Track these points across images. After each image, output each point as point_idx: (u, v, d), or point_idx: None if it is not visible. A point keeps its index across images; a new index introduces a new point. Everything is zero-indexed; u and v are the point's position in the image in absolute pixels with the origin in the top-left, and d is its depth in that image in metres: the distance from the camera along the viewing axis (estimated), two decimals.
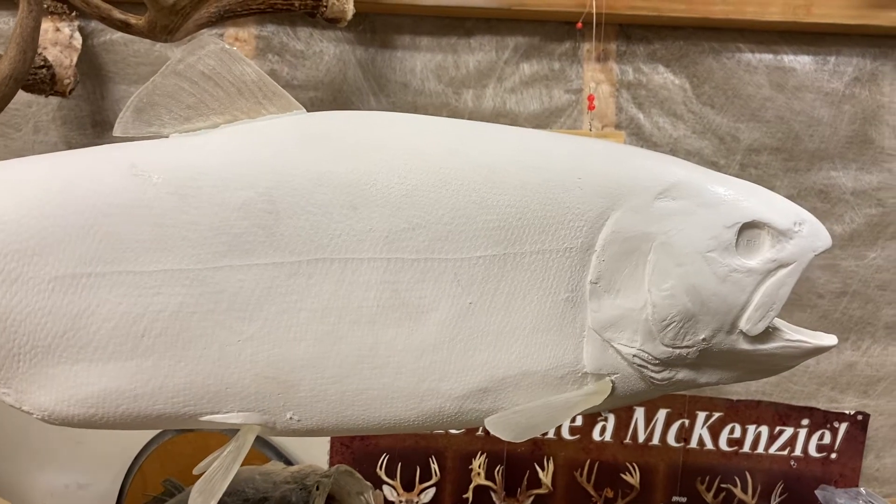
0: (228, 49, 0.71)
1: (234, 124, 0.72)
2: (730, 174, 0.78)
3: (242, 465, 1.04)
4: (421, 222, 0.68)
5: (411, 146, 0.71)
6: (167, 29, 1.03)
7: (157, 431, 1.38)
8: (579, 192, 0.69)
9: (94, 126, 1.39)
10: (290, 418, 0.70)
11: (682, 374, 0.71)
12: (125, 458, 1.39)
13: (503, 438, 0.69)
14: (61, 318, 0.66)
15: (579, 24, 1.33)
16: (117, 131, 0.71)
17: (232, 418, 0.70)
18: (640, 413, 1.40)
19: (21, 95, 1.28)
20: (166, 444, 1.38)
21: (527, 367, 0.70)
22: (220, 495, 0.67)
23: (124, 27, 1.05)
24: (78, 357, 0.67)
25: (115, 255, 0.66)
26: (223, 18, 1.19)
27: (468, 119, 1.31)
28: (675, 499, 1.42)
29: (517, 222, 0.69)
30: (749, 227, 0.69)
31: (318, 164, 0.68)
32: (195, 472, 0.78)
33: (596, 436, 1.41)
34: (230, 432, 0.72)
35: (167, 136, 0.72)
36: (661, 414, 1.40)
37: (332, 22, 1.26)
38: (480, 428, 1.39)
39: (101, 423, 0.69)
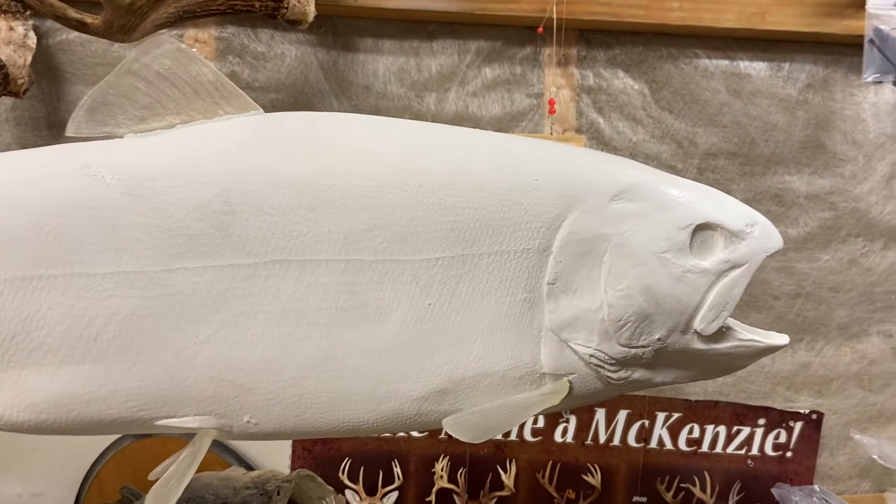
0: (184, 49, 0.71)
1: (190, 125, 0.71)
2: (688, 178, 0.80)
3: (202, 470, 1.03)
4: (379, 224, 0.68)
5: (370, 148, 0.71)
6: (124, 29, 1.02)
7: (115, 437, 1.36)
8: (536, 194, 0.70)
9: (50, 127, 1.36)
10: (248, 422, 0.69)
11: (638, 374, 0.72)
12: (81, 466, 1.36)
13: (461, 439, 0.69)
14: (10, 321, 0.65)
15: (540, 29, 1.34)
16: (70, 131, 0.70)
17: (188, 422, 0.69)
18: (601, 414, 1.42)
19: None
20: (124, 450, 1.36)
21: (485, 367, 0.70)
22: (175, 500, 0.66)
23: (80, 26, 1.03)
24: (28, 361, 0.65)
25: (67, 256, 0.65)
26: (182, 19, 1.17)
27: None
28: (635, 499, 1.43)
29: (475, 224, 0.69)
30: (702, 229, 0.70)
31: (275, 164, 0.68)
32: (150, 477, 0.77)
33: (558, 437, 1.42)
34: (189, 437, 0.72)
35: (122, 137, 0.71)
36: (622, 415, 1.42)
37: (294, 24, 1.25)
38: (443, 431, 1.39)
39: (53, 429, 0.68)
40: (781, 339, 0.74)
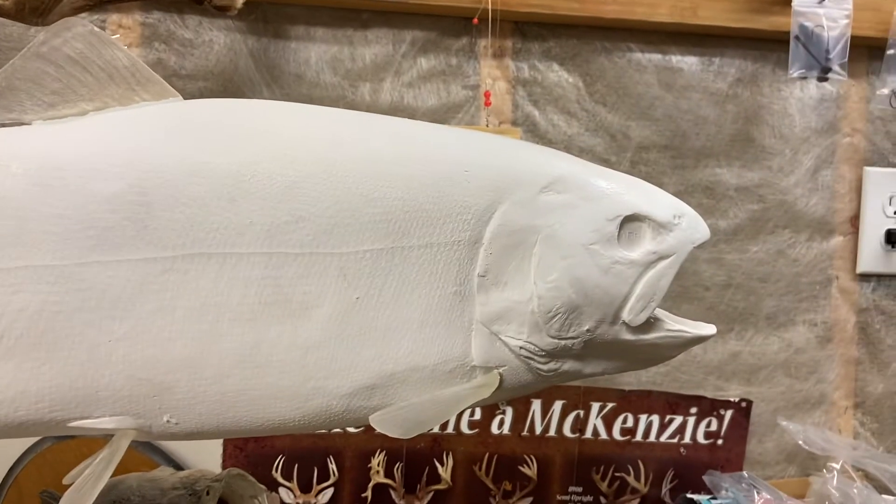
0: (97, 32, 0.67)
1: (104, 112, 0.68)
2: (621, 171, 0.80)
3: (130, 471, 0.99)
4: (304, 215, 0.66)
5: (294, 136, 0.69)
6: (37, 11, 0.97)
7: (35, 440, 1.30)
8: (466, 186, 0.69)
9: None
10: (168, 421, 0.67)
11: (569, 365, 0.72)
12: None
13: (390, 435, 0.67)
14: None
15: (475, 20, 1.34)
16: None
17: (104, 423, 0.66)
18: (537, 405, 1.42)
19: None
20: (44, 452, 1.30)
21: (415, 362, 0.69)
22: None
23: None
24: None
25: None
26: (104, 2, 1.12)
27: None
28: (571, 489, 1.44)
29: (404, 215, 0.68)
30: (630, 220, 0.71)
31: (193, 153, 0.65)
32: (65, 481, 0.73)
33: (494, 429, 1.42)
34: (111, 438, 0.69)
35: (29, 124, 0.67)
36: (557, 405, 1.43)
37: (222, 10, 1.21)
38: None
39: None
40: (708, 328, 0.75)
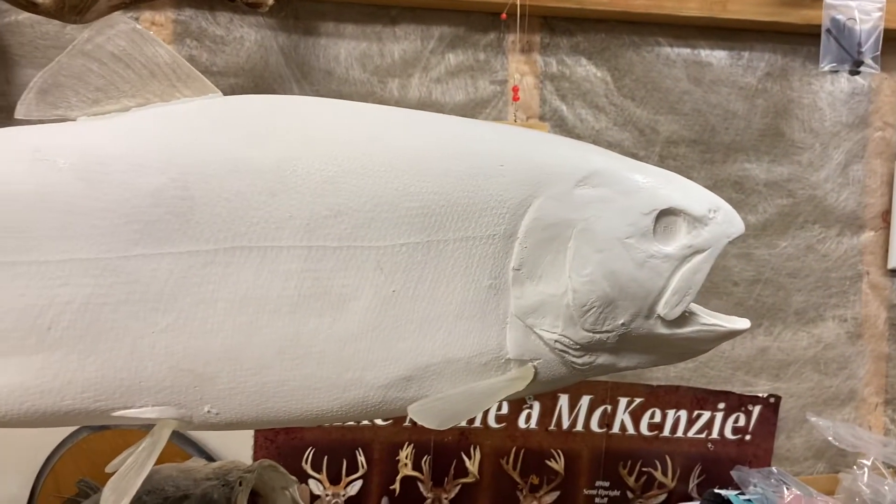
0: (140, 30, 0.69)
1: (145, 107, 0.69)
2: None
3: (162, 462, 1.01)
4: (343, 209, 0.67)
5: (333, 132, 0.69)
6: (76, 9, 0.99)
7: (72, 430, 1.33)
8: (502, 180, 0.70)
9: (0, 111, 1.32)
10: (208, 412, 0.68)
11: (603, 359, 0.72)
12: (36, 459, 1.33)
13: (427, 426, 0.68)
14: None
15: (503, 15, 1.34)
16: (20, 113, 0.67)
17: (146, 413, 0.67)
18: (564, 400, 1.43)
19: None
20: (81, 442, 1.33)
21: (451, 354, 0.70)
22: (133, 492, 0.65)
23: (30, 6, 1.00)
24: None
25: (17, 243, 0.63)
26: (138, 1, 1.14)
27: None
28: (598, 483, 1.45)
29: (440, 209, 0.69)
30: (666, 214, 0.71)
31: (234, 149, 0.66)
32: (108, 469, 0.75)
33: (521, 423, 1.43)
34: (149, 428, 0.70)
35: (74, 120, 0.68)
36: (585, 400, 1.43)
37: (253, 7, 1.22)
38: (407, 419, 1.39)
39: (5, 422, 0.65)
40: (742, 323, 0.75)
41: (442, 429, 0.67)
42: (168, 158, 0.65)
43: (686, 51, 1.45)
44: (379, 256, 0.68)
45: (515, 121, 1.39)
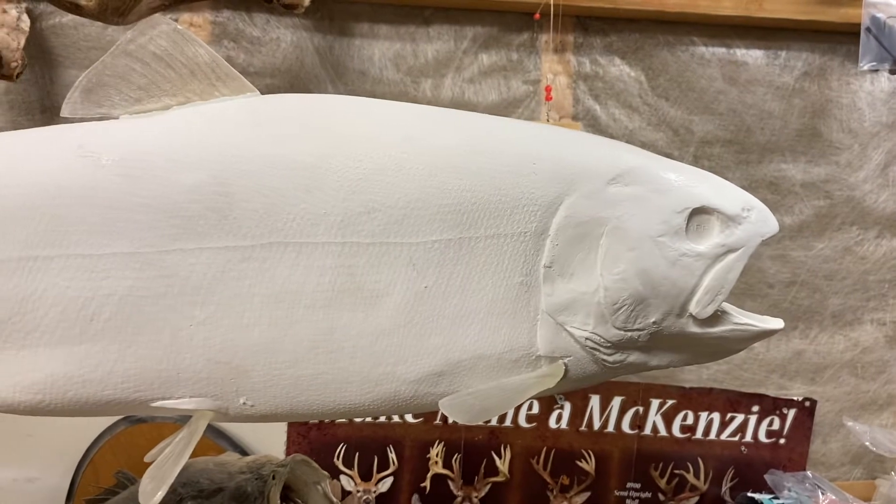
0: (181, 30, 0.70)
1: (186, 106, 0.71)
2: None
3: (197, 455, 1.03)
4: (376, 206, 0.68)
5: (367, 130, 0.70)
6: (119, 11, 1.01)
7: (110, 423, 1.36)
8: (534, 178, 0.70)
9: (43, 111, 1.35)
10: (244, 403, 0.69)
11: (634, 357, 0.72)
12: (76, 451, 1.36)
13: (457, 420, 0.69)
14: (6, 302, 0.64)
15: (537, 15, 1.34)
16: (65, 112, 0.69)
17: (184, 404, 0.69)
18: (595, 401, 1.42)
19: None
20: (119, 435, 1.36)
21: (482, 350, 0.70)
22: (171, 481, 0.66)
23: (74, 9, 1.03)
24: (24, 342, 0.65)
25: (62, 237, 0.65)
26: (177, 2, 1.17)
27: None
28: (629, 485, 1.44)
29: (472, 207, 0.69)
30: (699, 213, 0.70)
31: (272, 146, 0.68)
32: (146, 459, 0.77)
33: (552, 423, 1.43)
34: (185, 421, 0.72)
35: (117, 118, 0.70)
36: (616, 401, 1.42)
37: (289, 8, 1.24)
38: (438, 416, 1.40)
39: (49, 410, 0.68)
40: (776, 323, 0.74)
41: (472, 424, 0.68)
42: (207, 155, 0.67)
43: (721, 50, 1.44)
44: (411, 253, 0.69)
45: (548, 120, 1.39)
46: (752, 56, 1.44)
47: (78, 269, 0.65)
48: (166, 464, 0.68)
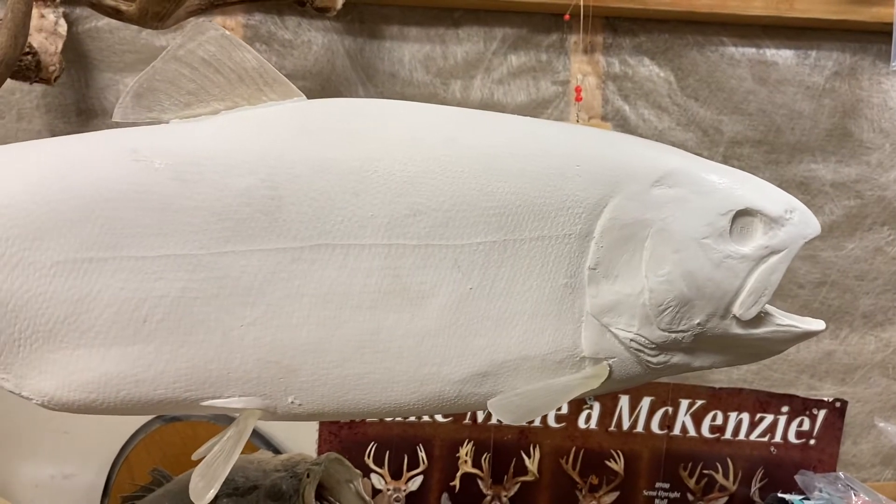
0: (229, 35, 0.71)
1: (234, 111, 0.72)
2: None
3: None
4: (422, 209, 0.69)
5: (412, 134, 0.71)
6: (158, 16, 1.03)
7: (144, 421, 1.38)
8: (578, 180, 0.71)
9: (79, 114, 1.37)
10: (292, 402, 0.70)
11: (678, 358, 0.73)
12: (112, 448, 1.38)
13: (504, 421, 0.70)
14: (63, 303, 0.66)
15: (567, 16, 1.35)
16: (117, 116, 0.71)
17: (233, 403, 0.70)
18: (624, 401, 1.43)
19: (5, 82, 1.27)
20: (153, 433, 1.37)
21: (526, 351, 0.71)
22: (222, 480, 0.67)
23: (114, 14, 1.04)
24: (79, 342, 0.67)
25: (116, 240, 0.66)
26: (213, 6, 1.18)
27: None
28: (658, 485, 1.44)
29: (517, 209, 0.70)
30: (742, 215, 0.71)
31: (319, 150, 0.69)
32: (194, 457, 0.78)
33: (581, 423, 1.43)
34: (219, 420, 0.72)
35: (167, 122, 0.72)
36: (646, 402, 1.43)
37: (321, 11, 1.26)
38: (468, 416, 1.41)
39: (102, 409, 0.69)
40: (818, 324, 0.75)
41: (517, 424, 0.69)
42: (257, 159, 0.68)
43: (751, 50, 1.43)
44: (456, 255, 0.69)
45: (578, 121, 1.39)
46: (783, 56, 1.44)
47: (132, 270, 0.66)
48: (216, 462, 0.69)
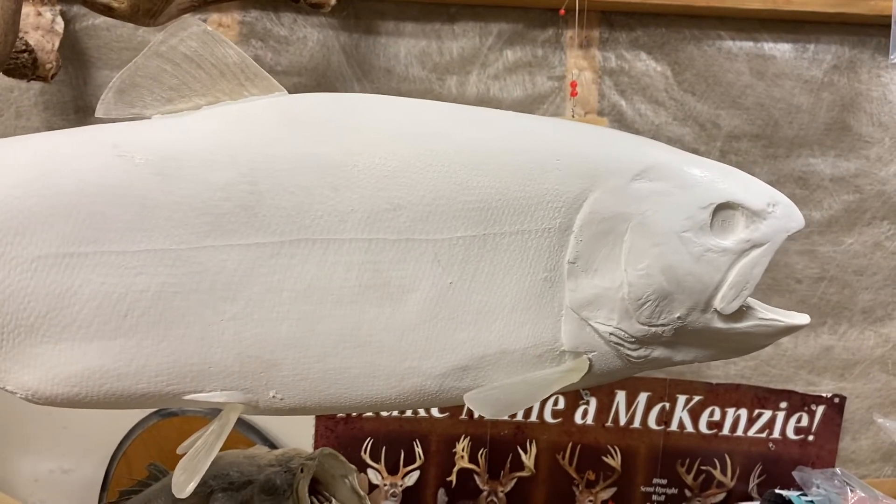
0: (210, 31, 0.72)
1: (216, 105, 0.72)
2: None
3: (227, 449, 1.05)
4: (402, 203, 0.69)
5: (393, 128, 0.72)
6: (150, 13, 1.03)
7: (142, 417, 1.39)
8: (558, 174, 0.70)
9: (77, 111, 1.38)
10: (273, 397, 0.71)
11: (658, 353, 0.73)
12: (110, 443, 1.39)
13: (482, 414, 0.70)
14: (44, 297, 0.66)
15: (562, 11, 1.34)
16: (99, 112, 0.71)
17: (215, 397, 0.70)
18: (621, 396, 1.42)
19: (2, 80, 1.28)
20: (151, 428, 1.38)
21: (506, 345, 0.71)
22: (202, 472, 0.68)
23: (106, 10, 1.05)
24: (61, 336, 0.67)
25: (98, 234, 0.66)
26: (206, 3, 1.19)
27: None
28: (655, 481, 1.44)
29: (497, 203, 0.70)
30: (723, 208, 0.70)
31: (300, 145, 0.69)
32: (179, 451, 0.78)
33: (578, 419, 1.43)
34: (215, 415, 0.73)
35: (149, 118, 0.72)
36: (642, 397, 1.42)
37: (316, 7, 1.26)
38: (464, 411, 1.41)
39: (85, 403, 0.70)
40: (802, 318, 0.74)
41: (496, 418, 0.69)
42: (237, 154, 0.68)
43: (749, 44, 1.42)
44: (436, 249, 0.70)
45: (574, 116, 1.39)
46: (780, 50, 1.43)
47: (113, 265, 0.67)
48: (198, 456, 0.70)
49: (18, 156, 0.69)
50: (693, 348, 0.74)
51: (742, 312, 0.71)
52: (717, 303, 0.70)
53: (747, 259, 0.70)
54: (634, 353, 0.72)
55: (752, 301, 0.72)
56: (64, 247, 0.66)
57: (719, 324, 0.71)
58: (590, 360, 0.72)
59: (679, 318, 0.70)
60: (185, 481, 0.68)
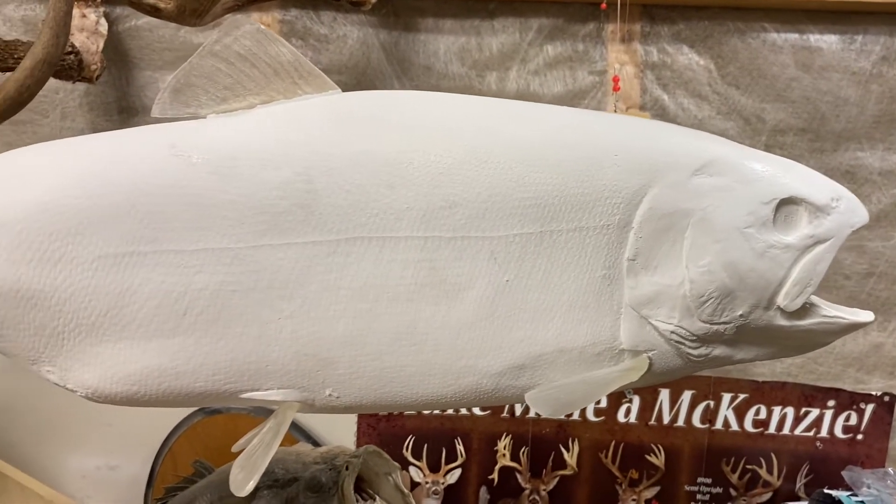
0: (264, 30, 0.72)
1: (270, 105, 0.72)
2: None
3: None
4: (458, 200, 0.68)
5: (447, 125, 0.71)
6: (196, 13, 1.04)
7: (187, 413, 1.40)
8: (616, 170, 0.69)
9: (121, 112, 1.39)
10: (329, 395, 0.71)
11: (719, 351, 0.71)
12: (155, 440, 1.41)
13: (542, 414, 0.70)
14: (105, 296, 0.67)
15: (603, 5, 1.33)
16: (155, 112, 0.71)
17: (272, 395, 0.71)
18: (664, 394, 1.41)
19: (48, 82, 1.29)
20: (195, 425, 1.40)
21: (564, 343, 0.70)
22: (262, 471, 0.68)
23: (153, 11, 1.06)
24: (121, 335, 0.68)
25: (156, 234, 0.67)
26: (249, 3, 1.19)
27: None
28: (700, 480, 1.42)
29: (554, 200, 0.69)
30: (786, 203, 0.69)
31: (355, 143, 0.69)
32: (234, 449, 0.79)
33: (621, 417, 1.41)
34: (258, 413, 0.73)
35: (204, 117, 0.72)
36: (686, 395, 1.40)
37: (356, 5, 1.26)
38: (505, 409, 1.40)
39: (144, 401, 0.70)
40: (866, 315, 0.73)
41: (555, 417, 0.68)
42: (293, 153, 0.68)
43: (794, 36, 1.40)
44: (493, 246, 0.69)
45: (615, 111, 1.37)
46: (827, 41, 1.40)
47: (172, 264, 0.67)
48: (255, 454, 0.70)
49: (75, 157, 0.70)
50: (754, 346, 0.73)
51: (805, 310, 0.70)
52: (781, 300, 0.69)
53: (811, 255, 0.69)
54: (695, 352, 0.71)
55: (815, 298, 0.71)
56: (123, 246, 0.67)
57: (782, 321, 0.70)
58: (650, 358, 0.71)
59: (741, 315, 0.69)
60: (244, 479, 0.68)
